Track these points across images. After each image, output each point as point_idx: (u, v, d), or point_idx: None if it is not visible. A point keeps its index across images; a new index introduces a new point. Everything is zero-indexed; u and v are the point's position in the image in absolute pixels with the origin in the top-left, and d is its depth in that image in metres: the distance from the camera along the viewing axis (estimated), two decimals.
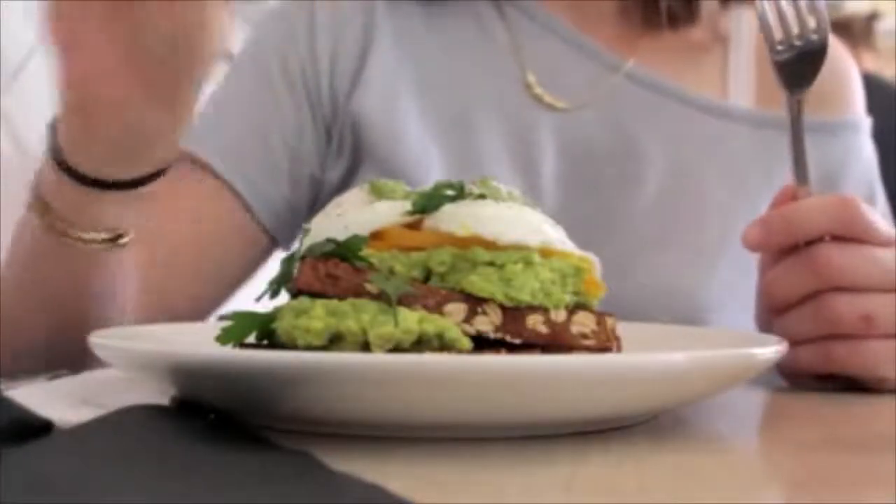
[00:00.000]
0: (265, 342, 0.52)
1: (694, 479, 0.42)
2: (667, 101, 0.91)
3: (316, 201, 0.89)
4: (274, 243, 0.89)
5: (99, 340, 0.51)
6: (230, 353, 0.49)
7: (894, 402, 0.59)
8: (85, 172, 0.62)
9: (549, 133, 0.88)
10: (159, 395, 0.50)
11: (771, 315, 0.66)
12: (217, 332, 0.51)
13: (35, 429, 0.42)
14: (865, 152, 0.96)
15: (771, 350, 0.51)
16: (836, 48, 0.96)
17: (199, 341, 0.54)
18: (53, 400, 0.55)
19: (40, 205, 0.64)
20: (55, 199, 0.64)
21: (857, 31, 3.47)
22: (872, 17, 3.56)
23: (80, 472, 0.34)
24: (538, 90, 0.89)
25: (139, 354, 0.50)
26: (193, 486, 0.34)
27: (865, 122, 0.97)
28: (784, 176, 0.68)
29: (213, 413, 0.46)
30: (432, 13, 0.92)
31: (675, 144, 0.90)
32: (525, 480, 0.41)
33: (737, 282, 0.82)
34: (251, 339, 0.52)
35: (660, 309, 0.80)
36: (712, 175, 0.90)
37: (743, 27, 0.96)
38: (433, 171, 0.84)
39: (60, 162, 0.62)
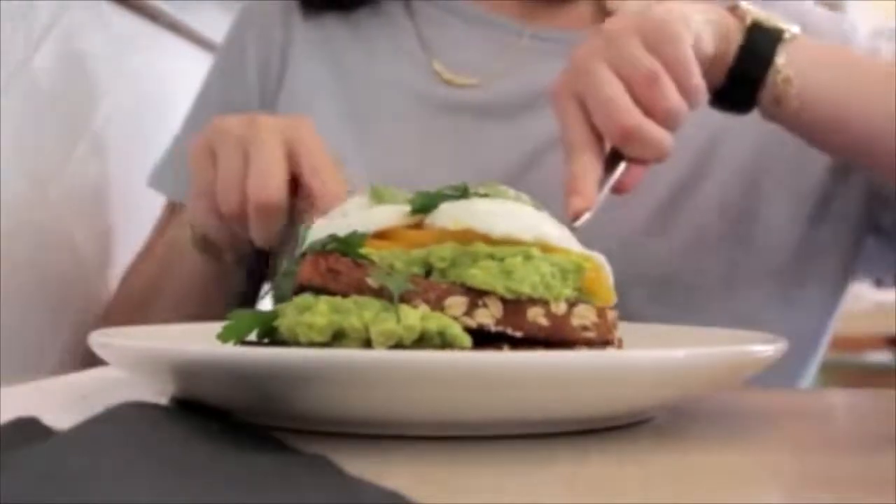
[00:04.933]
0: (266, 340, 0.52)
1: (694, 479, 0.42)
2: None
3: None
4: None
5: (99, 339, 0.51)
6: (231, 350, 0.49)
7: (894, 402, 0.59)
8: None
9: (470, 112, 0.90)
10: (158, 394, 0.50)
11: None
12: (218, 329, 0.51)
13: (35, 431, 0.42)
14: None
15: (771, 348, 0.51)
16: None
17: (200, 339, 0.54)
18: (51, 399, 0.55)
19: (199, 238, 0.81)
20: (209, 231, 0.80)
21: None
22: None
23: (92, 469, 0.33)
24: (447, 75, 0.92)
25: (139, 352, 0.50)
26: (210, 485, 0.34)
27: None
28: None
29: (211, 413, 0.46)
30: (350, 21, 0.95)
31: None
32: (525, 480, 0.41)
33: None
34: (252, 336, 0.52)
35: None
36: None
37: None
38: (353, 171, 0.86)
39: None
